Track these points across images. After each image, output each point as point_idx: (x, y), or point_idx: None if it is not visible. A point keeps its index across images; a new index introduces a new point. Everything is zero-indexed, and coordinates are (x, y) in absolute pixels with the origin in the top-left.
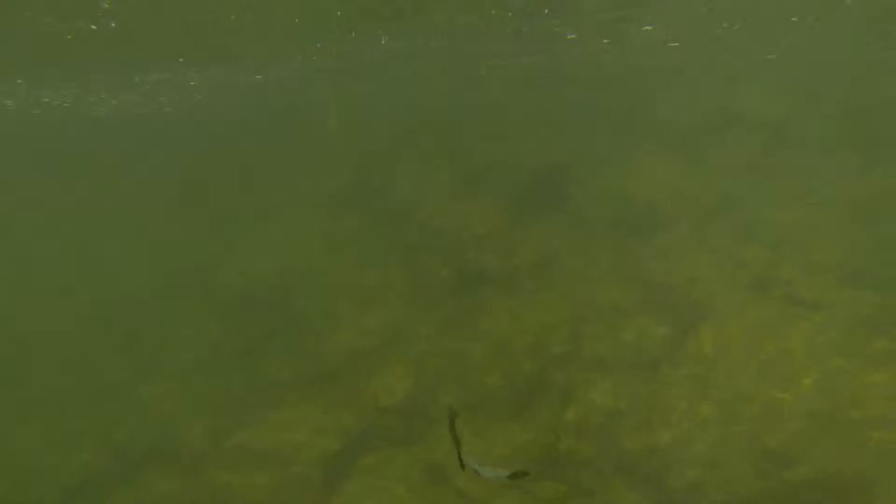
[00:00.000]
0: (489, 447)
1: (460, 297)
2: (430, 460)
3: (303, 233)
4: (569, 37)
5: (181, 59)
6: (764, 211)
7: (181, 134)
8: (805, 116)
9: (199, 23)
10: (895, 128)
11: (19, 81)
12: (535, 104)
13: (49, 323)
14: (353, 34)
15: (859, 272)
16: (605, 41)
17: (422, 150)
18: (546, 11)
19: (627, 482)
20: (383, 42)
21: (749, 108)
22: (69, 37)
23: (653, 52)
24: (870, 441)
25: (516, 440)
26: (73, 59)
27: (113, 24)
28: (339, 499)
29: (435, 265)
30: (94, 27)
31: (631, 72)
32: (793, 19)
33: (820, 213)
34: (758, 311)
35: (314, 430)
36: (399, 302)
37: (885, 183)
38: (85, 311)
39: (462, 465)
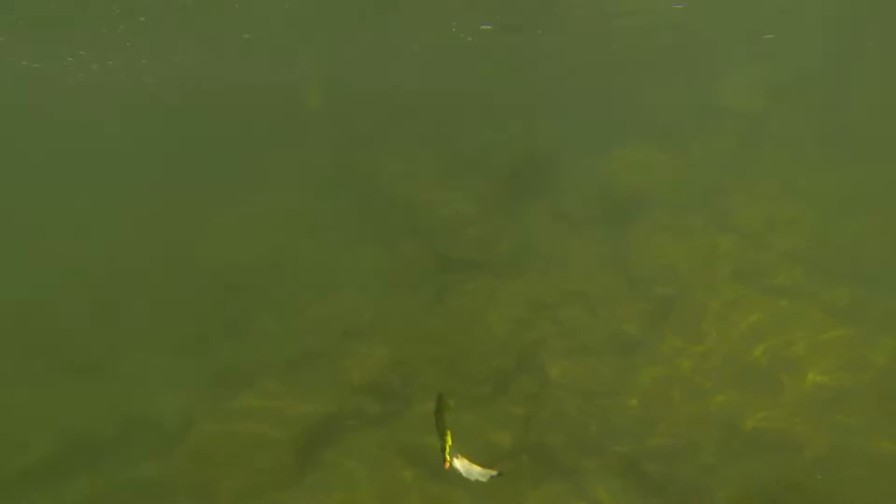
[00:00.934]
0: (465, 430)
1: (440, 280)
2: (406, 441)
3: (282, 216)
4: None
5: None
6: (742, 202)
7: (160, 104)
8: (786, 109)
9: None
10: (874, 123)
11: None
12: (521, 91)
13: (11, 304)
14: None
15: (833, 263)
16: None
17: (405, 133)
18: None
19: (602, 464)
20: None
21: (731, 100)
22: None
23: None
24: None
25: (493, 423)
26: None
27: None
28: (311, 479)
29: (415, 249)
30: None
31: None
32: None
33: (797, 205)
34: (734, 299)
35: (288, 411)
36: (378, 284)
37: (861, 181)
38: (50, 291)
39: (446, 462)
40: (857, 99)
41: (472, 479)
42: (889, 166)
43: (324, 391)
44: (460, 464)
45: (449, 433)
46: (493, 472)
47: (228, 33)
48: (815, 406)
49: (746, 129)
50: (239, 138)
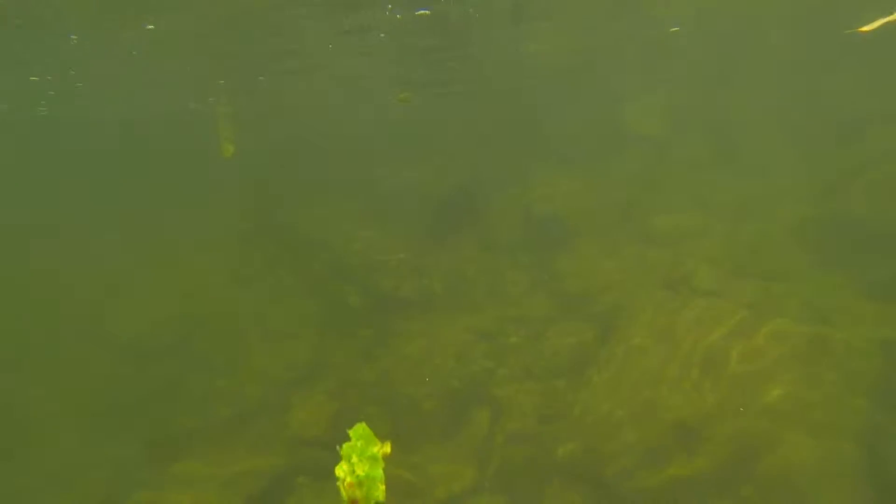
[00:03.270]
0: (425, 466)
1: (377, 323)
2: None
3: (201, 273)
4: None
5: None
6: (658, 216)
7: (56, 144)
8: (689, 131)
9: None
10: (759, 141)
11: None
12: (436, 125)
13: None
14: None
15: (746, 264)
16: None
17: (325, 179)
18: None
19: (565, 484)
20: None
21: (640, 125)
22: None
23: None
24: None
25: (450, 457)
26: None
27: None
28: None
29: (347, 294)
30: None
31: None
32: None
33: (705, 216)
34: (668, 304)
35: (232, 474)
36: (313, 334)
37: (752, 191)
38: None
39: None
40: (745, 119)
41: None
42: (776, 177)
43: (269, 449)
44: None
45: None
46: None
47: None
48: (761, 398)
49: (651, 151)
50: (143, 184)
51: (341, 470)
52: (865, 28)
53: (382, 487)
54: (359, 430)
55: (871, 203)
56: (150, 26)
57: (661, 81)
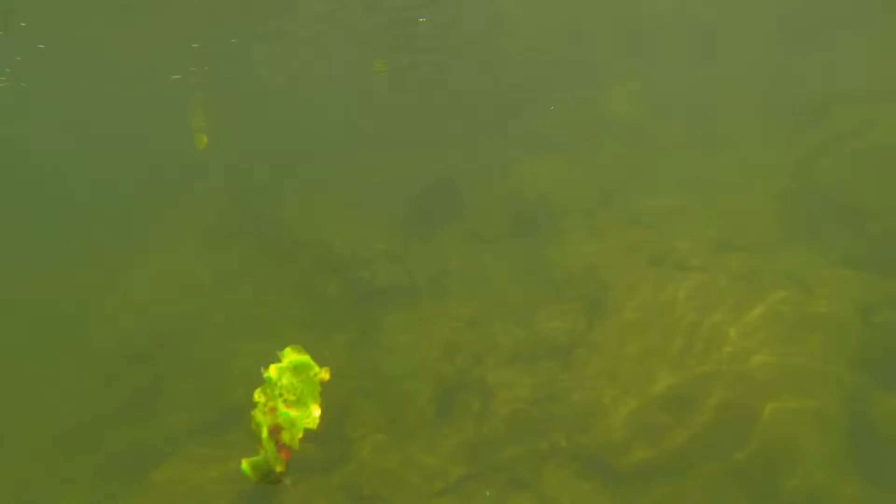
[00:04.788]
0: (418, 456)
1: (362, 316)
2: (354, 483)
3: (182, 273)
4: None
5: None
6: (640, 198)
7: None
8: (666, 112)
9: None
10: (739, 123)
11: None
12: (416, 116)
13: None
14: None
15: (727, 239)
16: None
17: (302, 173)
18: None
19: (561, 467)
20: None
21: (620, 109)
22: None
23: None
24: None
25: (444, 445)
26: None
27: None
28: None
29: (331, 288)
30: None
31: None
32: None
33: (685, 195)
34: (654, 281)
35: (218, 476)
36: (297, 328)
37: (730, 168)
38: None
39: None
40: (721, 98)
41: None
42: (750, 155)
43: (254, 449)
44: None
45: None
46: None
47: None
48: (751, 367)
49: (630, 133)
50: (115, 179)
51: (263, 393)
52: None
53: (317, 415)
54: (291, 354)
55: (841, 176)
56: None
57: (638, 62)
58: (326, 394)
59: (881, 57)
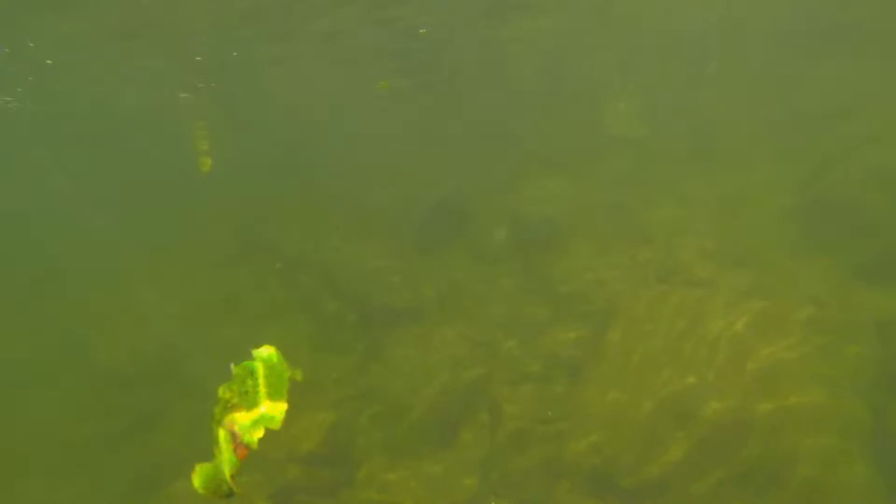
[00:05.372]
0: (428, 475)
1: (369, 336)
2: (362, 502)
3: (186, 297)
4: None
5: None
6: (644, 215)
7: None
8: (669, 131)
9: None
10: (743, 137)
11: None
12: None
13: None
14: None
15: (735, 255)
16: None
17: (307, 193)
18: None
19: (572, 485)
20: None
21: (622, 126)
22: None
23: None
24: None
25: (453, 464)
26: None
27: None
28: None
29: (338, 309)
30: None
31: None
32: None
33: (692, 212)
34: (663, 297)
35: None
36: (304, 350)
37: (736, 184)
38: None
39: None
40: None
41: None
42: (755, 170)
43: (264, 467)
44: None
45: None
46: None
47: None
48: (762, 381)
49: (633, 150)
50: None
51: (228, 389)
52: None
53: (281, 416)
54: (264, 353)
55: (850, 190)
56: None
57: (639, 79)
58: (338, 414)
59: (885, 70)
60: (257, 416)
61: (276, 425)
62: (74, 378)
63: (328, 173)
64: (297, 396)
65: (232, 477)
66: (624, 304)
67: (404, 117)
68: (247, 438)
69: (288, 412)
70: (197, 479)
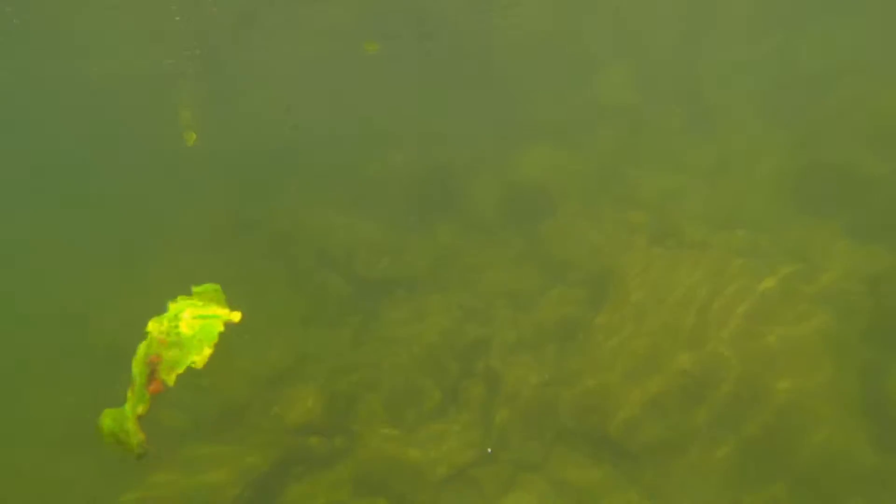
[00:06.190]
0: (427, 444)
1: (363, 309)
2: (362, 474)
3: (179, 275)
4: None
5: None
6: (643, 181)
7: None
8: (664, 97)
9: None
10: (737, 101)
11: None
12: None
13: None
14: None
15: (729, 217)
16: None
17: (300, 167)
18: None
19: (570, 447)
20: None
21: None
22: None
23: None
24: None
25: (450, 432)
26: None
27: None
28: None
29: (332, 282)
30: None
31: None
32: None
33: (685, 177)
34: (658, 259)
35: (225, 469)
36: (297, 323)
37: (729, 148)
38: None
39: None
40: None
41: None
42: (749, 133)
43: (260, 442)
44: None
45: None
46: None
47: None
48: (748, 336)
49: (627, 118)
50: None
51: (158, 323)
52: None
53: (206, 354)
54: (204, 291)
55: (842, 149)
56: None
57: (632, 45)
58: (333, 385)
59: (880, 29)
60: (181, 353)
61: (200, 364)
62: (71, 357)
63: (319, 142)
64: (295, 370)
65: (139, 417)
66: (618, 268)
67: (394, 83)
68: (164, 374)
69: (289, 388)
70: (105, 423)
